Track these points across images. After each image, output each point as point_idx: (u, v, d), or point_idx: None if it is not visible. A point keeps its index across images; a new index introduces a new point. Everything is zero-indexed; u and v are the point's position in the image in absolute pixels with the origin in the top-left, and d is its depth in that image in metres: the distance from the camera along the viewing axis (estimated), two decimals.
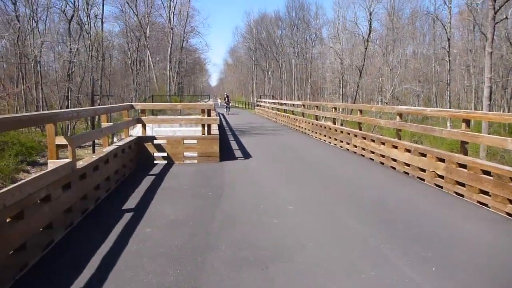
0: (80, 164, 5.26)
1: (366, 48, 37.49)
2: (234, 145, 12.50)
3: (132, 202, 5.68)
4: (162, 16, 49.00)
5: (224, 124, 22.58)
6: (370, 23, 38.29)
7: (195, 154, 9.13)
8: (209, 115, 9.74)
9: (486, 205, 5.45)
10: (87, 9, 33.20)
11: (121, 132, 9.40)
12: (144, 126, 9.32)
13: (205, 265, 3.58)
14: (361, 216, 5.09)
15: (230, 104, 37.70)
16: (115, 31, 49.09)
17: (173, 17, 47.11)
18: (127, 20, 45.89)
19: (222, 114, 31.79)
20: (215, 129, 10.28)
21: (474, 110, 30.63)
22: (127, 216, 4.96)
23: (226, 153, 10.08)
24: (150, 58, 46.88)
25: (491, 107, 22.85)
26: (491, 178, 5.37)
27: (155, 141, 8.95)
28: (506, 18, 22.93)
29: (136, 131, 11.23)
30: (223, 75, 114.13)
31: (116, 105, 11.92)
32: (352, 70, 40.87)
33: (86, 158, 5.98)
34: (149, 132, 11.85)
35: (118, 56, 52.46)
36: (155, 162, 8.88)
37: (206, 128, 9.51)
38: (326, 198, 6.08)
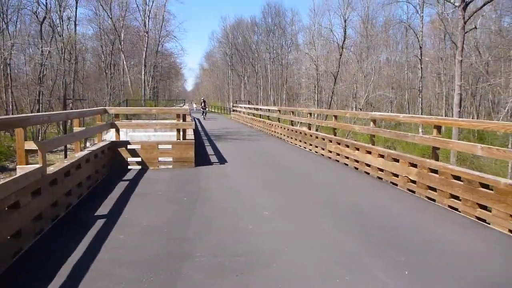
0: (50, 169, 5.12)
1: (341, 55, 38.05)
2: (209, 150, 12.44)
3: (105, 208, 5.57)
4: (137, 20, 48.61)
5: (200, 129, 22.46)
6: (345, 30, 38.95)
7: (170, 159, 9.04)
8: (184, 120, 9.67)
9: (456, 209, 5.57)
10: (60, 11, 32.63)
11: (94, 137, 9.22)
12: (117, 130, 9.17)
13: (180, 273, 3.52)
14: (336, 221, 5.13)
15: (207, 109, 37.18)
16: (88, 34, 48.15)
17: (148, 21, 46.81)
18: (101, 23, 45.25)
19: (198, 119, 31.61)
20: (190, 134, 10.21)
21: (445, 116, 31.42)
22: (100, 223, 4.85)
23: (201, 158, 10.02)
24: (124, 62, 46.29)
25: (461, 114, 23.45)
26: (462, 183, 5.50)
27: (129, 146, 8.82)
28: (475, 28, 23.68)
29: (110, 136, 11.03)
30: (199, 80, 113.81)
31: (89, 109, 11.69)
32: (327, 76, 41.37)
33: (57, 163, 5.83)
34: (123, 137, 11.67)
35: (91, 59, 51.61)
36: (129, 167, 8.74)
37: (181, 133, 9.43)
38: (302, 203, 6.11)
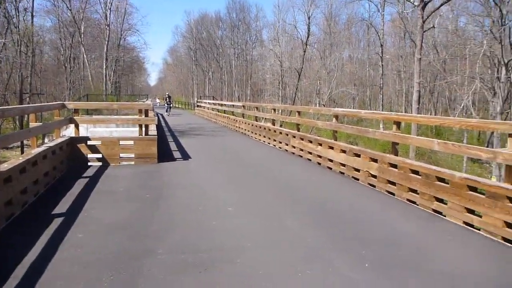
0: (4, 166, 4.91)
1: (304, 51, 38.40)
2: (173, 146, 12.29)
3: (63, 206, 5.39)
4: (98, 12, 47.14)
5: (163, 124, 22.15)
6: (309, 27, 39.30)
7: (132, 155, 8.87)
8: (146, 115, 9.49)
9: (414, 202, 5.75)
10: (16, 1, 31.22)
11: (53, 132, 8.91)
12: (77, 126, 8.90)
13: (142, 271, 3.46)
14: (299, 216, 5.20)
15: (172, 105, 36.53)
16: (46, 26, 46.24)
17: (110, 14, 45.60)
18: (60, 15, 43.56)
19: (161, 115, 31.15)
20: (153, 130, 10.04)
21: (405, 112, 32.30)
22: (58, 221, 4.69)
23: (164, 154, 9.89)
24: (85, 56, 44.91)
25: (420, 110, 24.26)
26: (420, 177, 5.68)
27: (89, 142, 8.58)
28: (434, 27, 24.49)
29: (70, 131, 10.70)
30: (163, 75, 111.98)
31: (47, 103, 11.30)
32: (291, 73, 41.67)
33: (12, 160, 5.60)
34: (83, 133, 11.35)
35: (50, 52, 49.62)
36: (89, 164, 8.51)
37: (143, 129, 9.26)
38: (266, 199, 6.13)
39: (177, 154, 10.44)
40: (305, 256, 3.87)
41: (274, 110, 14.42)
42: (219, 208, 5.48)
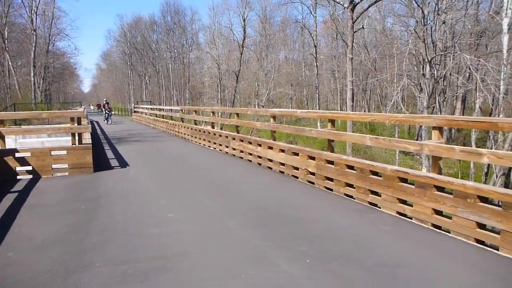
0: None
1: (241, 54, 38.64)
2: (110, 154, 11.87)
3: None
4: (23, 17, 44.51)
5: (99, 132, 21.35)
6: (245, 30, 39.57)
7: (66, 166, 8.46)
8: (79, 123, 9.11)
9: (351, 197, 5.98)
10: None
11: None
12: (2, 138, 8.34)
13: (80, 286, 3.31)
14: (240, 218, 5.21)
15: (112, 112, 33.24)
16: None
17: (36, 18, 43.17)
18: None
19: (97, 122, 30.01)
20: (87, 138, 9.66)
21: (340, 110, 33.48)
22: None
23: (101, 163, 9.54)
24: (10, 63, 42.18)
25: (354, 108, 25.22)
26: (355, 172, 5.91)
27: (17, 154, 8.07)
28: (363, 27, 25.60)
29: None
30: (97, 81, 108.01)
31: None
32: (229, 75, 41.77)
33: None
34: (12, 145, 10.67)
35: None
36: (18, 177, 8.01)
37: (77, 137, 8.87)
38: (207, 202, 6.09)
39: (114, 162, 10.10)
40: (248, 257, 3.88)
41: (213, 113, 14.38)
42: (159, 215, 5.37)
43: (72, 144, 8.82)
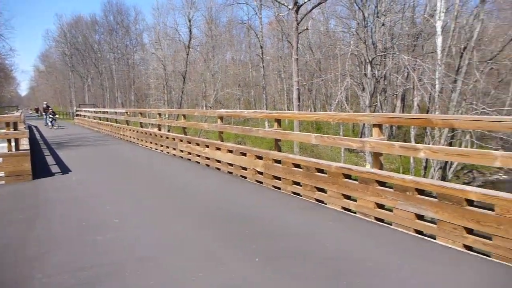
0: None
1: (187, 54, 38.20)
2: (50, 160, 11.32)
3: None
4: None
5: (38, 137, 20.34)
6: (190, 30, 39.14)
7: (2, 174, 7.99)
8: (15, 128, 8.63)
9: (299, 194, 6.09)
10: None
11: None
12: None
13: None
14: (189, 220, 5.16)
15: (56, 116, 31.06)
16: None
17: None
18: None
19: (36, 127, 28.56)
20: (25, 144, 9.18)
21: (287, 110, 33.98)
22: None
23: (41, 170, 9.10)
24: None
25: (300, 107, 25.64)
26: (301, 170, 6.03)
27: None
28: (307, 29, 26.18)
29: None
30: (35, 83, 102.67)
31: None
32: (175, 76, 41.17)
33: None
34: None
35: None
36: None
37: (13, 143, 8.40)
38: (154, 206, 5.98)
39: (55, 169, 9.65)
40: (198, 258, 3.85)
41: (160, 115, 14.12)
42: (104, 221, 5.19)
43: (8, 151, 8.33)
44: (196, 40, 43.42)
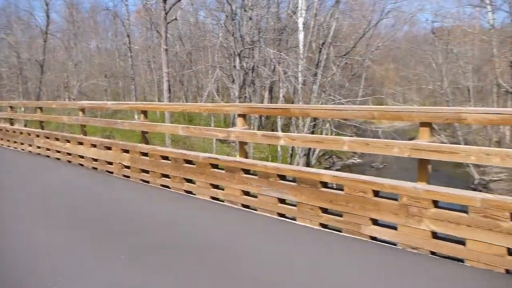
0: None
1: (45, 41, 34.85)
2: None
3: None
4: None
5: None
6: (48, 14, 35.73)
7: None
8: None
9: (168, 187, 6.02)
10: None
11: None
12: None
13: None
14: (49, 222, 4.77)
15: None
16: None
17: None
18: None
19: None
20: None
21: (158, 101, 33.28)
22: None
23: None
24: None
25: (171, 99, 25.32)
26: (170, 162, 5.96)
27: None
28: (176, 19, 25.78)
29: None
30: None
31: None
32: (32, 65, 37.31)
33: None
34: None
35: None
36: None
37: None
38: (8, 212, 5.37)
39: None
40: (58, 264, 3.57)
41: (11, 107, 12.67)
42: None
43: None
44: (56, 26, 39.83)
